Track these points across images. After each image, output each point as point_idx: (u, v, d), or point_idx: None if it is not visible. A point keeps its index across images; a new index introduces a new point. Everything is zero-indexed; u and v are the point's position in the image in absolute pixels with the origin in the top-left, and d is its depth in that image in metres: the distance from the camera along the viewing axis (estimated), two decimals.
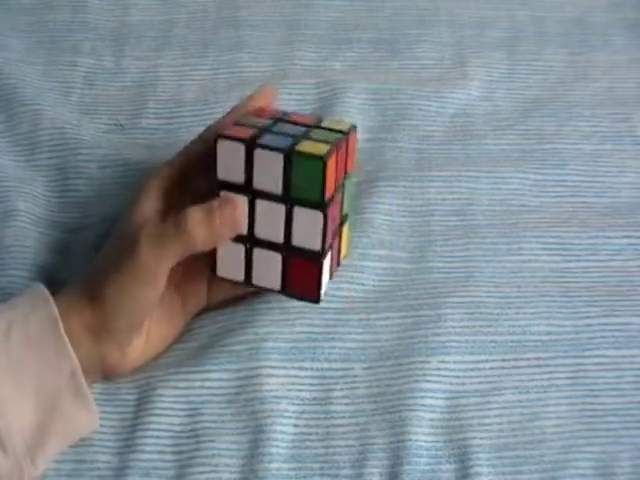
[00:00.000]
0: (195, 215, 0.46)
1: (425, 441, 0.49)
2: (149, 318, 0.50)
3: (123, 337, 0.48)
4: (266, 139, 0.47)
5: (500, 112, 0.66)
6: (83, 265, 0.55)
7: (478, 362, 0.52)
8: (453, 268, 0.56)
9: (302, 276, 0.49)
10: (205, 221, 0.46)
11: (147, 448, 0.48)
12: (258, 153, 0.46)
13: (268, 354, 0.51)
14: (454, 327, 0.53)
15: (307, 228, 0.47)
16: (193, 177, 0.51)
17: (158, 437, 0.49)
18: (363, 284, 0.55)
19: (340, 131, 0.49)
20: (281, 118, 0.50)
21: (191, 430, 0.49)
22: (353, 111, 0.64)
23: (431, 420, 0.50)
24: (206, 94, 0.65)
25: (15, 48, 0.67)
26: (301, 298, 0.50)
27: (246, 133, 0.47)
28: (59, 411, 0.45)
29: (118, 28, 0.69)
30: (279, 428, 0.49)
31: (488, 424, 0.50)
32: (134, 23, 0.70)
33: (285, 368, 0.51)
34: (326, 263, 0.49)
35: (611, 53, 0.70)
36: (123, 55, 0.67)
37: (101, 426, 0.49)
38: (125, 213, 0.50)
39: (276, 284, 0.50)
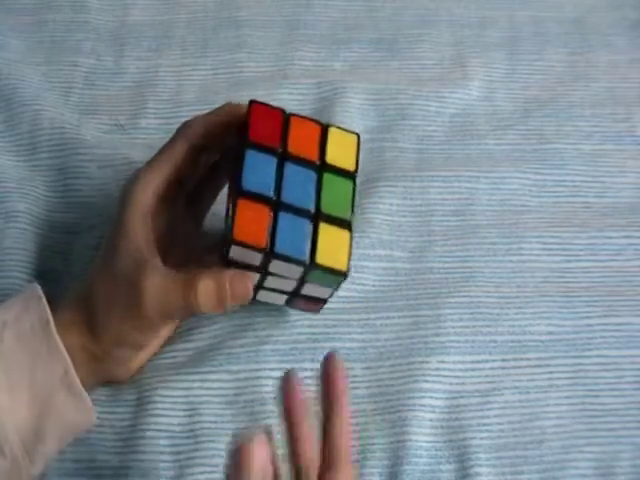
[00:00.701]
0: (205, 286, 0.46)
1: (425, 441, 0.49)
2: None
3: (124, 359, 0.49)
4: (281, 244, 0.45)
5: (500, 112, 0.66)
6: (83, 266, 0.55)
7: (478, 362, 0.52)
8: (453, 268, 0.56)
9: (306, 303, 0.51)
10: (215, 293, 0.46)
11: (147, 448, 0.48)
12: (275, 263, 0.46)
13: (268, 356, 0.51)
14: (454, 327, 0.53)
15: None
16: (184, 177, 0.50)
17: (158, 437, 0.49)
18: (363, 284, 0.55)
19: (349, 173, 0.49)
20: (286, 155, 0.48)
21: (190, 431, 0.49)
22: (353, 111, 0.64)
23: (431, 420, 0.50)
24: (206, 94, 0.65)
25: (15, 48, 0.66)
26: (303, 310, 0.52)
27: (261, 230, 0.45)
28: (54, 409, 0.45)
29: (118, 28, 0.69)
30: (279, 429, 0.48)
31: (488, 424, 0.50)
32: (134, 23, 0.69)
33: (285, 369, 0.50)
34: None
35: (611, 53, 0.70)
36: (123, 55, 0.67)
37: (101, 426, 0.49)
38: (114, 231, 0.48)
39: (281, 301, 0.51)
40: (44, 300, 0.46)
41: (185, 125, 0.50)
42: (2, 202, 0.57)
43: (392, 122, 0.64)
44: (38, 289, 0.47)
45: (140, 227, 0.47)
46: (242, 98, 0.64)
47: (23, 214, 0.57)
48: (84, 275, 0.51)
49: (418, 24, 0.71)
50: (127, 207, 0.48)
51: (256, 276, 0.47)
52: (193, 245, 0.53)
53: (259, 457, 0.37)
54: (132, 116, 0.64)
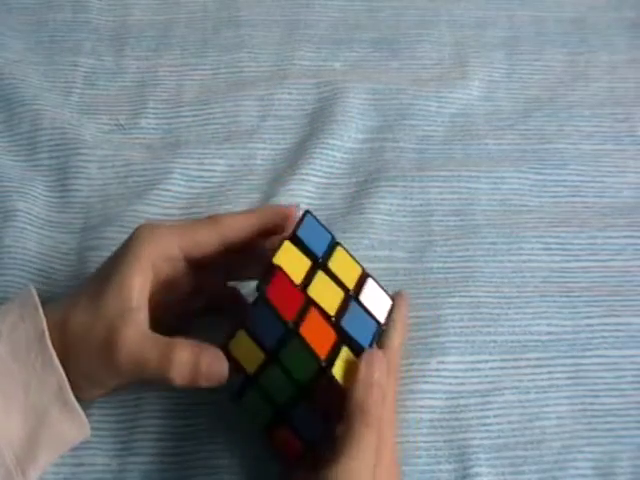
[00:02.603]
0: (180, 359, 0.43)
1: (424, 442, 0.49)
2: None
3: (87, 389, 0.47)
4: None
5: (500, 112, 0.66)
6: (83, 266, 0.55)
7: (478, 362, 0.52)
8: (453, 268, 0.56)
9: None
10: (189, 369, 0.43)
11: (146, 450, 0.48)
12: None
13: None
14: (454, 327, 0.53)
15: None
16: (198, 269, 0.49)
17: (157, 439, 0.49)
18: None
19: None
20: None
21: (190, 432, 0.49)
22: (353, 111, 0.64)
23: (430, 421, 0.50)
24: (206, 94, 0.65)
25: (15, 48, 0.66)
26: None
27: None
28: (48, 424, 0.44)
29: (118, 28, 0.69)
30: None
31: (488, 424, 0.50)
32: (134, 23, 0.69)
33: None
34: None
35: (611, 53, 0.70)
36: (123, 55, 0.67)
37: (100, 429, 0.49)
38: (112, 264, 0.46)
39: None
40: (40, 310, 0.45)
41: (219, 218, 0.48)
42: (2, 201, 0.57)
43: (392, 122, 0.64)
44: (34, 296, 0.46)
45: (139, 275, 0.45)
46: (242, 98, 0.64)
47: (22, 213, 0.57)
48: (82, 276, 0.50)
49: (418, 24, 0.71)
50: (136, 251, 0.45)
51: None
52: (187, 306, 0.51)
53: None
54: (132, 116, 0.64)
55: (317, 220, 0.48)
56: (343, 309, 0.46)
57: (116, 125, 0.63)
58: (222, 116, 0.63)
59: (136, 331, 0.44)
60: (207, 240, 0.47)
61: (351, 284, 0.48)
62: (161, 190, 0.58)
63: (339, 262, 0.48)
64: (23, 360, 0.44)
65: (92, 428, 0.47)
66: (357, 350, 0.44)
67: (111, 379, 0.46)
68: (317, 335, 0.43)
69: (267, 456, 0.48)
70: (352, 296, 0.47)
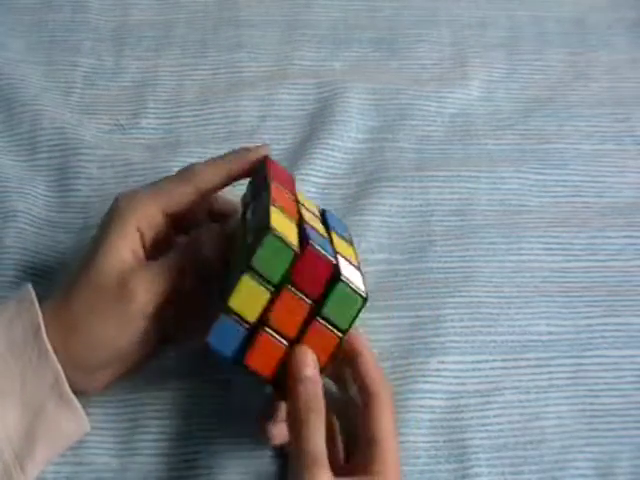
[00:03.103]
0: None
1: (424, 442, 0.49)
2: None
3: (95, 367, 0.47)
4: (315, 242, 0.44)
5: (500, 112, 0.66)
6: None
7: (478, 362, 0.52)
8: (453, 268, 0.56)
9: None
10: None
11: (146, 451, 0.48)
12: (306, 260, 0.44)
13: None
14: (454, 327, 0.53)
15: None
16: (182, 224, 0.50)
17: (157, 440, 0.49)
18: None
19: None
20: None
21: (190, 432, 0.49)
22: (353, 111, 0.64)
23: (430, 421, 0.50)
24: (206, 94, 0.65)
25: (15, 48, 0.66)
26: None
27: (292, 232, 0.44)
28: (44, 417, 0.44)
29: (118, 28, 0.69)
30: None
31: (488, 424, 0.50)
32: (134, 23, 0.69)
33: None
34: None
35: (611, 53, 0.70)
36: (123, 55, 0.67)
37: (100, 428, 0.49)
38: (97, 243, 0.47)
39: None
40: (36, 305, 0.45)
41: (191, 171, 0.49)
42: (1, 202, 0.57)
43: (392, 122, 0.64)
44: (31, 292, 0.46)
45: (129, 239, 0.46)
46: (242, 98, 0.64)
47: (22, 214, 0.57)
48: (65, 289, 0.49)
49: (418, 24, 0.71)
50: (120, 220, 0.47)
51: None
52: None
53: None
54: (132, 116, 0.64)
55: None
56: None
57: (116, 125, 0.63)
58: (222, 116, 0.63)
59: (144, 270, 0.45)
60: (183, 197, 0.49)
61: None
62: None
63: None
64: (19, 354, 0.44)
65: (93, 427, 0.47)
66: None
67: (126, 334, 0.46)
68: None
69: (267, 456, 0.48)
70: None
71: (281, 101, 0.64)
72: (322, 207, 0.51)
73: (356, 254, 0.49)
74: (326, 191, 0.60)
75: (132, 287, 0.45)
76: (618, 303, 0.55)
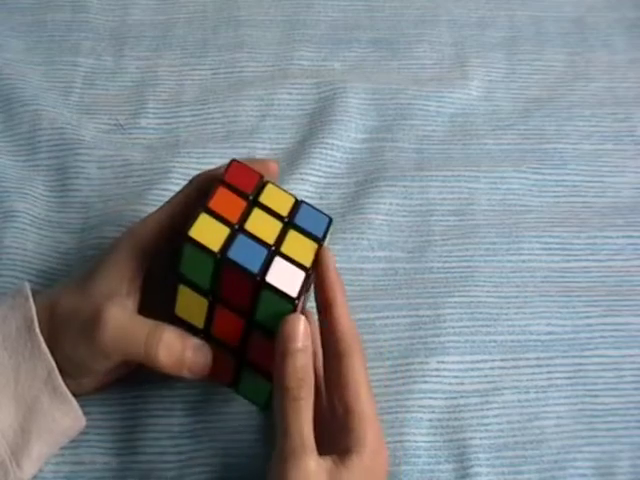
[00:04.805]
0: (168, 339, 0.44)
1: (424, 441, 0.49)
2: None
3: (75, 376, 0.46)
4: (236, 252, 0.42)
5: (500, 112, 0.66)
6: (82, 267, 0.55)
7: (478, 362, 0.52)
8: (453, 268, 0.56)
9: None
10: (176, 353, 0.44)
11: (147, 449, 0.48)
12: (227, 271, 0.42)
13: None
14: (453, 327, 0.53)
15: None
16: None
17: (157, 438, 0.49)
18: (362, 285, 0.55)
19: (315, 238, 0.45)
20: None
21: (190, 430, 0.49)
22: (353, 111, 0.64)
23: (430, 421, 0.50)
24: (206, 94, 0.65)
25: (15, 48, 0.66)
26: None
27: (219, 236, 0.42)
28: (39, 412, 0.44)
29: (118, 28, 0.69)
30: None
31: (487, 424, 0.50)
32: (134, 23, 0.69)
33: None
34: None
35: (611, 53, 0.70)
36: (123, 55, 0.67)
37: (100, 427, 0.49)
38: (102, 256, 0.47)
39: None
40: (31, 300, 0.45)
41: (199, 175, 0.48)
42: (1, 202, 0.57)
43: (392, 122, 0.64)
44: (27, 288, 0.46)
45: (132, 260, 0.45)
46: (242, 98, 0.64)
47: (22, 214, 0.57)
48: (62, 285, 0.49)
49: (418, 24, 0.71)
50: (126, 243, 0.46)
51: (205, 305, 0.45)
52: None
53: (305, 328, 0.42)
54: (132, 116, 0.64)
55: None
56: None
57: (116, 125, 0.63)
58: (222, 116, 0.63)
59: (122, 313, 0.44)
60: (187, 193, 0.48)
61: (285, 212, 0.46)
62: (161, 190, 0.58)
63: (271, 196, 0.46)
64: (13, 349, 0.44)
65: (92, 426, 0.47)
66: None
67: (96, 361, 0.45)
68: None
69: (267, 455, 0.48)
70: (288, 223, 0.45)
71: (281, 101, 0.64)
72: (322, 207, 0.51)
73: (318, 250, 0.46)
74: (325, 191, 0.60)
75: (103, 323, 0.43)
76: (618, 303, 0.55)
